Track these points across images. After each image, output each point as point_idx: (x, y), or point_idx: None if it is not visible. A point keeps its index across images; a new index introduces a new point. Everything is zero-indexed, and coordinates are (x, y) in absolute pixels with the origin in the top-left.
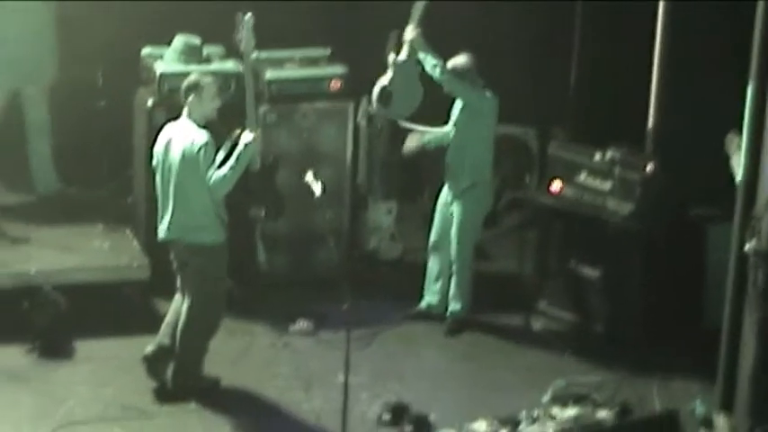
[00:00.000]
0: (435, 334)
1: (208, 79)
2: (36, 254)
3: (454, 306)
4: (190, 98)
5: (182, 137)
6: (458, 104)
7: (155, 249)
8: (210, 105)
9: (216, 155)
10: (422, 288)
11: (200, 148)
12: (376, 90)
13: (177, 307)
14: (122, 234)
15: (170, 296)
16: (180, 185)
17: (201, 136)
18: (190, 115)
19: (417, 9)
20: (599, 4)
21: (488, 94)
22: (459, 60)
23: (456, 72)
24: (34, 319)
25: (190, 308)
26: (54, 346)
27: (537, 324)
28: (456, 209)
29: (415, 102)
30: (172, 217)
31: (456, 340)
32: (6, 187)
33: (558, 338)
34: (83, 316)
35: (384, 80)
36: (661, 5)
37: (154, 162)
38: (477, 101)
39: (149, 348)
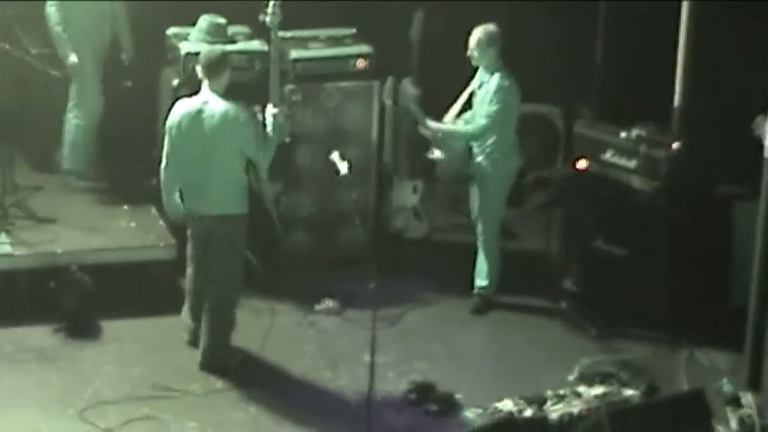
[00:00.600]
0: (461, 313)
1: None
2: (63, 234)
3: (480, 283)
4: (214, 72)
5: (216, 109)
6: (481, 97)
7: (181, 229)
8: (228, 78)
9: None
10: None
11: (244, 120)
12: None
13: (196, 288)
14: (148, 214)
15: None
16: (216, 157)
17: (240, 108)
18: (214, 88)
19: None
20: None
21: (507, 79)
22: (489, 29)
23: (487, 41)
24: (61, 300)
25: (216, 282)
26: (81, 327)
27: (563, 303)
28: (480, 186)
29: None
30: (203, 188)
31: (482, 319)
32: (33, 168)
33: (584, 317)
34: (109, 296)
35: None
36: None
37: (172, 137)
38: (502, 111)
39: (187, 338)
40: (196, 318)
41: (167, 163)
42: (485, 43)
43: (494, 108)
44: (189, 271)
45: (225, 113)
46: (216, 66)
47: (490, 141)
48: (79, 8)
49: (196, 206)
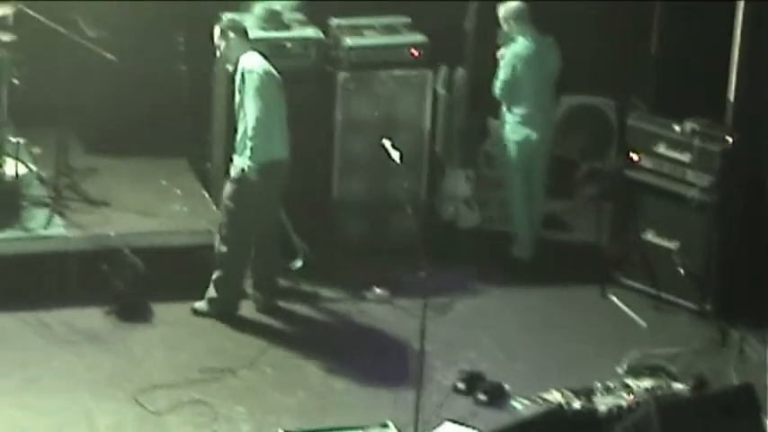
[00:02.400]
0: (511, 302)
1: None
2: (116, 217)
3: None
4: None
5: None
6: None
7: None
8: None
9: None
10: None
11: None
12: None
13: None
14: (201, 198)
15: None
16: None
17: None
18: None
19: None
20: None
21: (525, 47)
22: (513, 4)
23: (512, 15)
24: (113, 282)
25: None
26: (132, 310)
27: (613, 295)
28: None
29: None
30: (279, 138)
31: (531, 310)
32: (86, 150)
33: (633, 309)
34: (160, 279)
35: None
36: None
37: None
38: (510, 79)
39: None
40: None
41: None
42: (512, 17)
43: (501, 74)
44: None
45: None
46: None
47: (504, 109)
48: None
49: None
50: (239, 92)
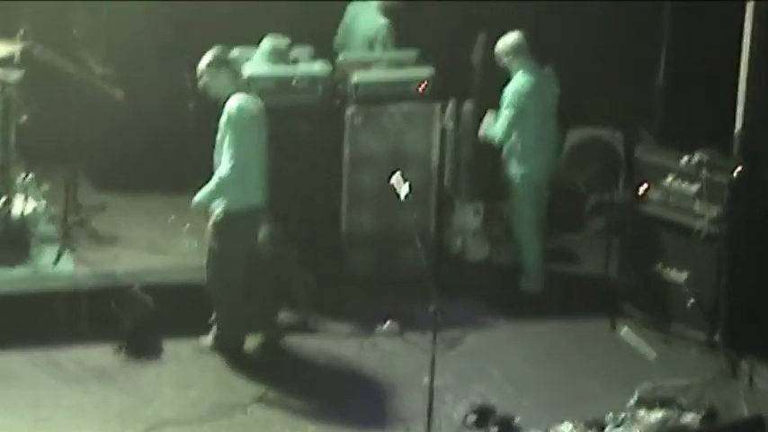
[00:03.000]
0: (521, 335)
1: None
2: (124, 254)
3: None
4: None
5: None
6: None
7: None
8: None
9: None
10: (514, 287)
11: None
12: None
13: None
14: None
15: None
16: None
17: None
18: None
19: None
20: (687, 5)
21: (526, 81)
22: (511, 38)
23: (511, 50)
24: (122, 319)
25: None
26: (141, 346)
27: (622, 327)
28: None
29: None
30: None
31: (541, 343)
32: (96, 187)
33: (643, 341)
34: (170, 316)
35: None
36: (749, 6)
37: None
38: (517, 115)
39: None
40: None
41: None
42: (512, 52)
43: (506, 111)
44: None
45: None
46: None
47: (509, 145)
48: None
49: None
50: (220, 130)
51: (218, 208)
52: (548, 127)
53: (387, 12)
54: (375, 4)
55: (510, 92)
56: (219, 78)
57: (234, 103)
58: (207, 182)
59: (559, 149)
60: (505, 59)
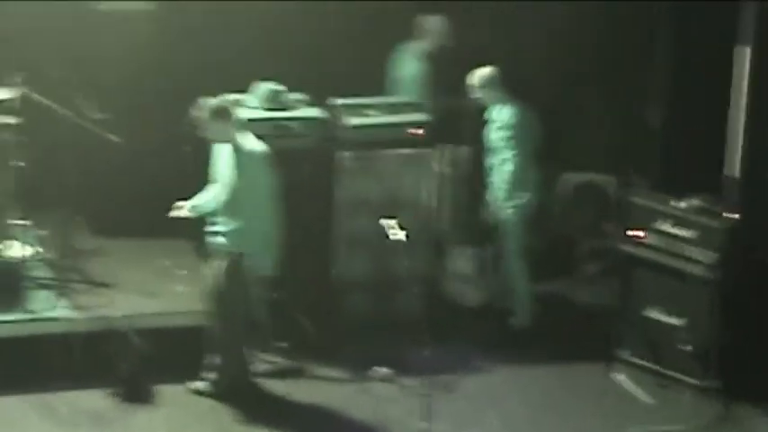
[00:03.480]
0: (516, 380)
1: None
2: (119, 298)
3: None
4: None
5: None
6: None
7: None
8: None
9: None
10: (507, 332)
11: None
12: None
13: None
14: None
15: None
16: None
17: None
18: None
19: None
20: (683, 52)
21: (519, 111)
22: (486, 71)
23: (487, 83)
24: (117, 364)
25: None
26: (135, 391)
27: (618, 372)
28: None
29: None
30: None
31: (536, 387)
32: (91, 231)
33: (638, 387)
34: (164, 361)
35: None
36: (738, 53)
37: None
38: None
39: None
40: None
41: None
42: (488, 84)
43: (513, 141)
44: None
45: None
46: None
47: (507, 176)
48: None
49: None
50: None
51: (227, 250)
52: (531, 162)
53: (427, 56)
54: (415, 49)
55: (511, 125)
56: (219, 127)
57: (248, 140)
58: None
59: (539, 188)
60: (480, 92)
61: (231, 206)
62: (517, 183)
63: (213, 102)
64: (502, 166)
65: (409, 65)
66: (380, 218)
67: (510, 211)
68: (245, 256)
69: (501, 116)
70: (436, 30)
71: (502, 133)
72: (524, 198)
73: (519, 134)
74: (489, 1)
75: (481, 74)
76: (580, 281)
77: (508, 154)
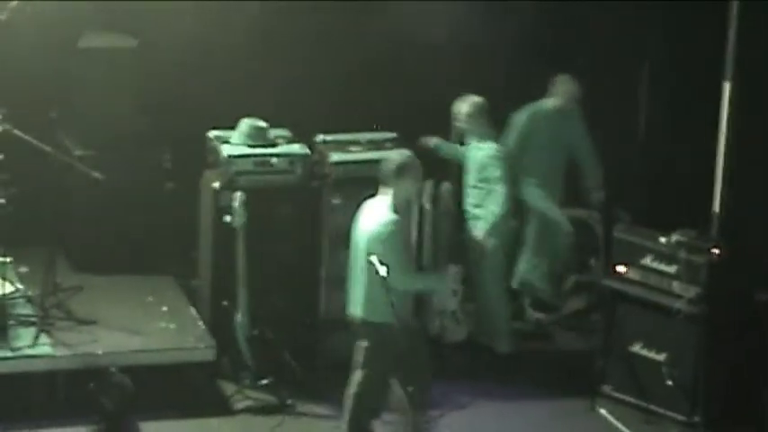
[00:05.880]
0: (501, 415)
1: (415, 161)
2: (103, 335)
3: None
4: (396, 180)
5: (374, 215)
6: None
7: (220, 331)
8: (413, 188)
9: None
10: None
11: (384, 232)
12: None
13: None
14: (188, 315)
15: (234, 378)
16: (363, 262)
17: (390, 220)
18: (394, 196)
19: None
20: (664, 90)
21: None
22: (475, 100)
23: (475, 112)
24: (101, 401)
25: (359, 382)
26: (120, 428)
27: (602, 408)
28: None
29: None
30: (353, 292)
31: (521, 423)
32: (73, 268)
33: (623, 422)
34: (149, 398)
35: None
36: (726, 86)
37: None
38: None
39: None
40: None
41: None
42: (478, 112)
43: (499, 173)
44: None
45: (376, 220)
46: (399, 172)
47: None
48: None
49: (351, 308)
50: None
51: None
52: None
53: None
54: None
55: (493, 157)
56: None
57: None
58: (185, 262)
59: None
60: (466, 122)
61: None
62: (498, 212)
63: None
64: (486, 197)
65: (544, 122)
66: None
67: (490, 239)
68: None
69: (482, 148)
70: (569, 89)
71: (484, 164)
72: (504, 224)
73: (500, 166)
74: None
75: (473, 101)
76: (565, 316)
77: (490, 185)
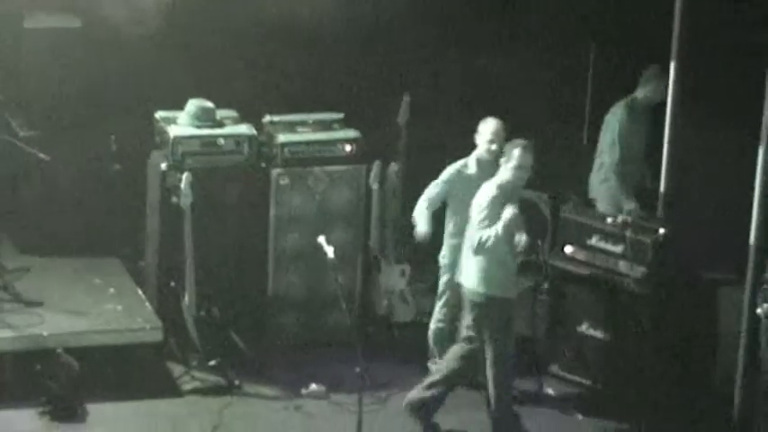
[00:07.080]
0: (447, 397)
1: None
2: (49, 317)
3: None
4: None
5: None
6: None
7: (167, 312)
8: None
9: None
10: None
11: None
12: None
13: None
14: (135, 297)
15: (181, 359)
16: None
17: (488, 193)
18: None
19: None
20: (611, 67)
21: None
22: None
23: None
24: (47, 383)
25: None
26: (67, 410)
27: (549, 388)
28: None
29: None
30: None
31: (468, 403)
32: (20, 250)
33: (569, 402)
34: (96, 379)
35: None
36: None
37: None
38: None
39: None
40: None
41: None
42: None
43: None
44: None
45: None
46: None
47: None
48: None
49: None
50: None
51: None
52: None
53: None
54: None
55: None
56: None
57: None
58: (132, 244)
59: None
60: (495, 146)
61: None
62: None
63: None
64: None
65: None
66: (318, 235)
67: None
68: None
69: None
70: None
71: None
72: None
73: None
74: None
75: (497, 123)
76: None
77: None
